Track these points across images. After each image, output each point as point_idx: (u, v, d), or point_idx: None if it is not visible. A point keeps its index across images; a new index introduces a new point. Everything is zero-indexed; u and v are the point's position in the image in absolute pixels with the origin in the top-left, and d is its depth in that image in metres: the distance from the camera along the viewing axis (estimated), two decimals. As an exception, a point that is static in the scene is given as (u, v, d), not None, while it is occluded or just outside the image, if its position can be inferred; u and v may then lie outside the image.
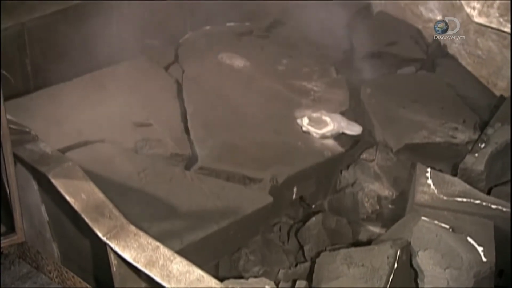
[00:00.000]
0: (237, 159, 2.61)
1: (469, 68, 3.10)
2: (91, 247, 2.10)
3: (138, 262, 1.80)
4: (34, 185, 2.17)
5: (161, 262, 1.80)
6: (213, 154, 2.62)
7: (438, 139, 2.78)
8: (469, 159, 2.70)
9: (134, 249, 1.83)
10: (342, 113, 2.91)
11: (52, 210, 2.18)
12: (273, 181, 2.51)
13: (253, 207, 2.38)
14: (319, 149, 2.73)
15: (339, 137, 2.80)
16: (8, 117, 1.98)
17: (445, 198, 2.55)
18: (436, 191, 2.57)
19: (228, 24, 3.55)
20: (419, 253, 2.33)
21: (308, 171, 2.64)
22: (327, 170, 2.78)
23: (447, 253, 2.30)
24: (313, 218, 2.64)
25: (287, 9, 3.63)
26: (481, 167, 2.67)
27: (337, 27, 3.40)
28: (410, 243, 2.34)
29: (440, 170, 2.70)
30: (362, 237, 2.73)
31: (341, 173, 2.84)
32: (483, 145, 2.75)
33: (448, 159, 2.78)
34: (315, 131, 2.78)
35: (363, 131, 2.86)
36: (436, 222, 2.38)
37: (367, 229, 2.79)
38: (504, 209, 2.51)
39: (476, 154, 2.73)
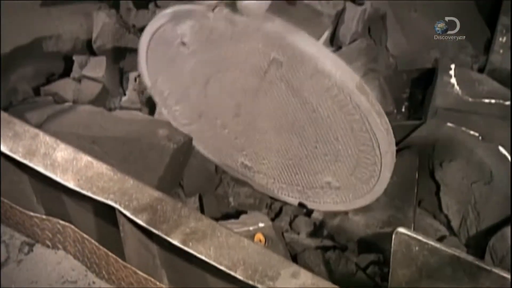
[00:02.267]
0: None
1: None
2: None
3: (15, 153, 1.56)
4: None
5: (42, 151, 1.57)
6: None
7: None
8: (495, 58, 2.34)
9: (10, 138, 1.58)
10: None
11: None
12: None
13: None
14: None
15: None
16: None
17: (470, 100, 2.19)
18: (460, 92, 2.21)
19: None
20: (443, 164, 2.02)
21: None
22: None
23: (475, 165, 1.99)
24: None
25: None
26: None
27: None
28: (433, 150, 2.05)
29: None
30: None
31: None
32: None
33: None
34: None
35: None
36: (463, 128, 2.05)
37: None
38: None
39: (501, 51, 2.37)
